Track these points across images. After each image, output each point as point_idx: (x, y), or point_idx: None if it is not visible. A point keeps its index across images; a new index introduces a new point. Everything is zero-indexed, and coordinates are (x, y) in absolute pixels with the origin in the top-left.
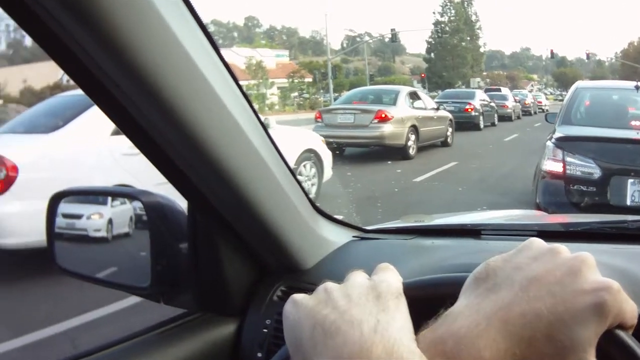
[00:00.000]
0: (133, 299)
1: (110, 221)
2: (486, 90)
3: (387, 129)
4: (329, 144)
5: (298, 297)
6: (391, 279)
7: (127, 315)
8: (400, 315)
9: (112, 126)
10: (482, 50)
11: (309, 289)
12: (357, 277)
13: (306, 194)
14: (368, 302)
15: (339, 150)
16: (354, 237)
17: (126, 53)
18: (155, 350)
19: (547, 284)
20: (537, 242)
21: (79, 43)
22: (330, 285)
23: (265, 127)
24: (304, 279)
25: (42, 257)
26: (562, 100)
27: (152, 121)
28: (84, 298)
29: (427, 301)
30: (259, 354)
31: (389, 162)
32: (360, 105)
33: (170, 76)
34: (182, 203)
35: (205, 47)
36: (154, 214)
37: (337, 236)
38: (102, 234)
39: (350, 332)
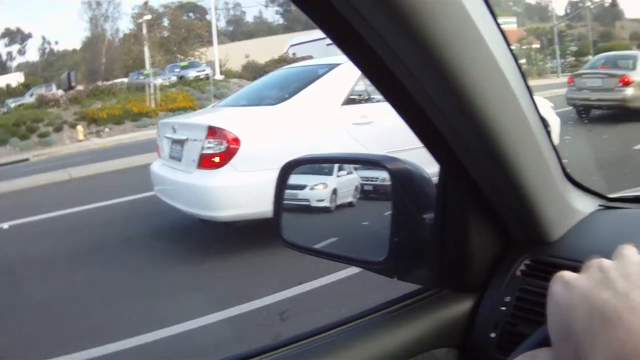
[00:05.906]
0: (347, 272)
1: (334, 191)
2: None
3: (629, 92)
4: (577, 106)
5: (569, 276)
6: None
7: (342, 287)
8: None
9: (342, 97)
10: None
11: (556, 264)
12: (631, 253)
13: (559, 158)
14: None
15: (584, 112)
16: (599, 205)
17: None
18: (390, 328)
19: None
20: None
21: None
22: (605, 262)
23: (529, 86)
24: (550, 252)
25: (255, 229)
26: None
27: (420, 79)
28: (300, 270)
29: None
30: (492, 334)
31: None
32: (607, 70)
33: (449, 35)
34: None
35: (481, 9)
36: (399, 182)
37: (584, 205)
38: (325, 204)
39: (634, 320)
